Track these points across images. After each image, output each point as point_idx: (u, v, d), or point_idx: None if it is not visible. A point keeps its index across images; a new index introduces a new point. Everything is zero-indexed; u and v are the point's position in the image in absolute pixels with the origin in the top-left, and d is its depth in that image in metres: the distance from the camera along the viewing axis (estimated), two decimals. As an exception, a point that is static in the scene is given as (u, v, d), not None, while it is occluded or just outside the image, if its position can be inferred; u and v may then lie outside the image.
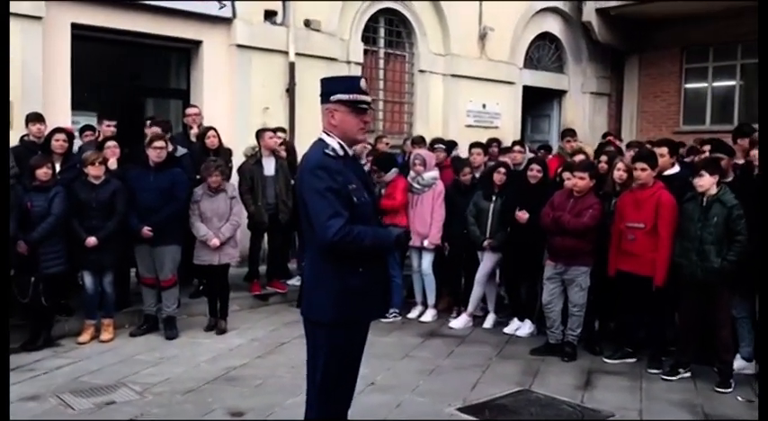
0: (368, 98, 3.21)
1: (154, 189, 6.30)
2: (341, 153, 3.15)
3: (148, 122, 7.46)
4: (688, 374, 5.50)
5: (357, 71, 10.30)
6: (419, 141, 8.52)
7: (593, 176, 6.01)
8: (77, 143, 7.15)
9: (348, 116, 3.14)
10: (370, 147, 8.20)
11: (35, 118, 6.62)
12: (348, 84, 3.22)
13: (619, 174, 6.11)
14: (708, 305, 5.34)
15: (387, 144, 8.94)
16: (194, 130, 7.63)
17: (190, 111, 7.90)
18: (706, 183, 5.27)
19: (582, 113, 13.96)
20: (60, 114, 7.50)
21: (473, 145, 7.82)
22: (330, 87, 3.17)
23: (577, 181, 5.91)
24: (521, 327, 6.73)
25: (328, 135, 3.17)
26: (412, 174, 7.18)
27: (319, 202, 3.00)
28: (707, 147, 6.63)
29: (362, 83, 3.20)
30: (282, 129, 8.52)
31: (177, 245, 6.52)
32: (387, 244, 3.23)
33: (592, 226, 5.84)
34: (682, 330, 5.65)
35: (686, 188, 5.58)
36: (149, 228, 6.22)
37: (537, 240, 6.24)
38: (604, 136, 10.65)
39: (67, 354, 5.85)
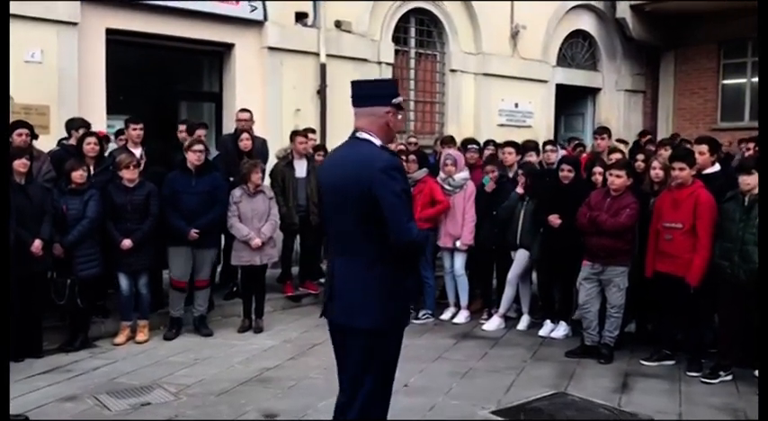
0: None
1: (196, 193, 6.38)
2: None
3: (183, 126, 7.42)
4: (729, 377, 5.36)
5: (388, 71, 10.29)
6: (449, 141, 8.40)
7: (630, 175, 5.90)
8: (112, 146, 7.22)
9: (398, 118, 3.17)
10: (402, 147, 8.18)
11: (82, 124, 6.71)
12: (396, 87, 3.28)
13: (655, 172, 6.01)
14: (750, 307, 5.19)
15: (415, 143, 8.85)
16: (246, 136, 7.33)
17: (241, 116, 7.66)
18: (755, 181, 5.11)
19: (616, 111, 13.77)
20: (96, 118, 7.58)
21: (505, 143, 7.72)
22: (392, 90, 3.19)
23: (614, 179, 5.80)
24: (556, 329, 6.64)
25: (371, 135, 3.10)
26: (442, 175, 7.11)
27: (399, 203, 2.96)
28: (752, 145, 6.46)
29: None
30: (312, 130, 8.51)
31: (216, 247, 6.69)
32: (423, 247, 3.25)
33: (629, 225, 5.74)
34: (723, 332, 5.51)
35: (726, 187, 5.43)
36: (197, 231, 6.29)
37: (571, 242, 6.13)
38: (641, 134, 10.48)
39: (104, 355, 5.92)
